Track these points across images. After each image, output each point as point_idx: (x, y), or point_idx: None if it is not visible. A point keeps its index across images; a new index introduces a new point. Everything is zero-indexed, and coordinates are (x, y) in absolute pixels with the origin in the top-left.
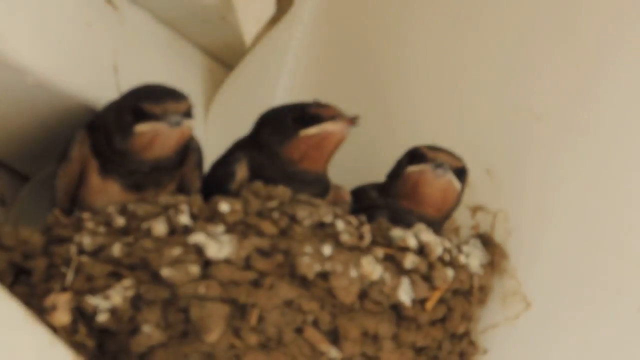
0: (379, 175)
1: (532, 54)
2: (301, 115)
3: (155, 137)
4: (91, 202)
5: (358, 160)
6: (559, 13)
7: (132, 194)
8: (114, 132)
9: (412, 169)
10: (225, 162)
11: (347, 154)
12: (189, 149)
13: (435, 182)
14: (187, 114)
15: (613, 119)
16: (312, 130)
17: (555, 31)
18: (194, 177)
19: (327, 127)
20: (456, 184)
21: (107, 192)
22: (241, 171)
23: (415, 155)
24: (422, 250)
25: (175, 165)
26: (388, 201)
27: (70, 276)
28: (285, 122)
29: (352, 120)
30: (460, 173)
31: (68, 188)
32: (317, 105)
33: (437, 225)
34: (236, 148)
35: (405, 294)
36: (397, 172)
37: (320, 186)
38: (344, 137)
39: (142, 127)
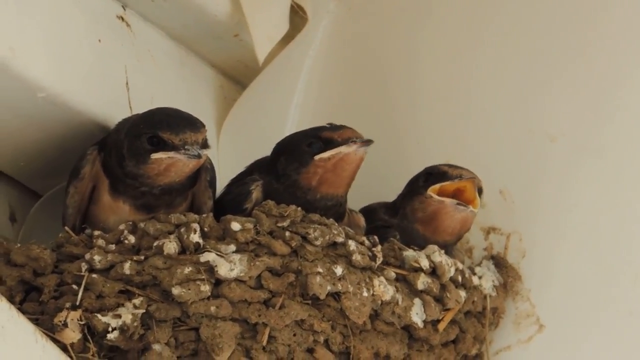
0: (390, 195)
1: (547, 76)
2: (314, 140)
3: (171, 166)
4: (102, 219)
5: (369, 180)
6: (574, 35)
7: (142, 214)
8: (128, 157)
9: (433, 196)
10: (242, 181)
11: (358, 174)
12: (201, 168)
13: (456, 215)
14: (204, 143)
15: (627, 140)
16: (327, 154)
17: (570, 53)
18: (206, 196)
19: (341, 149)
20: (476, 211)
21: (117, 210)
22: (257, 192)
23: (434, 174)
24: (434, 271)
25: (187, 187)
26: (400, 222)
27: (80, 294)
28: (300, 148)
29: (366, 142)
30: (479, 192)
31: (79, 206)
32: (331, 128)
33: (449, 247)
34: (254, 169)
35: (417, 315)
36: (413, 191)
37: (336, 212)
38: (361, 158)
39: (159, 156)
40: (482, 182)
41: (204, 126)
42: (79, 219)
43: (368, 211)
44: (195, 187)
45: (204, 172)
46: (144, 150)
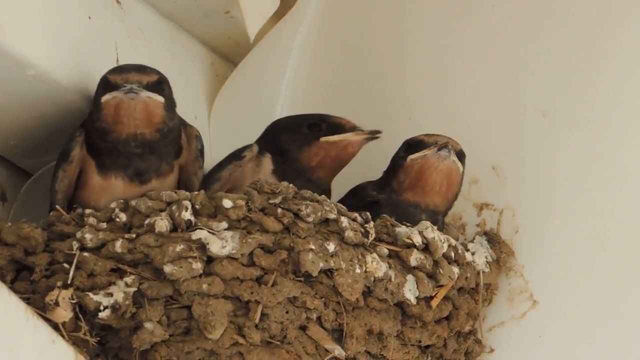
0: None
1: (538, 51)
2: (320, 123)
3: (118, 108)
4: (93, 202)
5: (362, 157)
6: (566, 9)
7: (135, 186)
8: (93, 110)
9: (413, 156)
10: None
11: None
12: (190, 137)
13: (439, 166)
14: (154, 86)
15: (619, 115)
16: (334, 138)
17: (562, 27)
18: (196, 166)
19: (349, 137)
20: (460, 165)
21: (109, 189)
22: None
23: (412, 144)
24: (427, 248)
25: (169, 149)
26: (389, 196)
27: (71, 273)
28: (301, 129)
29: (373, 133)
30: (461, 156)
31: (67, 190)
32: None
33: (441, 216)
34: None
35: (410, 292)
36: (396, 164)
37: None
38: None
39: (105, 98)
40: (460, 146)
41: (157, 73)
42: (66, 204)
43: (358, 189)
44: (182, 157)
45: (195, 141)
46: (97, 97)
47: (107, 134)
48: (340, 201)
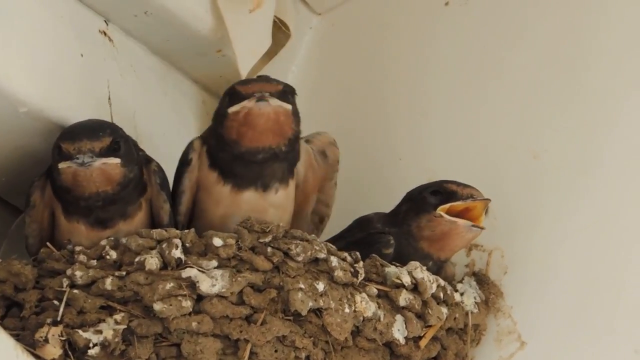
0: (372, 211)
1: (531, 92)
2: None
3: (76, 175)
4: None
5: (352, 196)
6: (559, 51)
7: (98, 231)
8: (53, 169)
9: (446, 219)
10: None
11: (343, 191)
12: (149, 173)
13: (467, 236)
14: (105, 152)
15: (610, 157)
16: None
17: (554, 70)
18: (161, 200)
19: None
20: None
21: (74, 232)
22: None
23: (442, 192)
24: (416, 288)
25: (134, 195)
26: (401, 238)
27: (61, 310)
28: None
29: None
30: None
31: (40, 234)
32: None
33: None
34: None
35: (399, 332)
36: (419, 208)
37: None
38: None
39: (61, 165)
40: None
41: (110, 135)
42: (42, 246)
43: (364, 221)
44: (147, 193)
45: (154, 176)
46: (54, 161)
47: (68, 192)
48: (343, 232)
